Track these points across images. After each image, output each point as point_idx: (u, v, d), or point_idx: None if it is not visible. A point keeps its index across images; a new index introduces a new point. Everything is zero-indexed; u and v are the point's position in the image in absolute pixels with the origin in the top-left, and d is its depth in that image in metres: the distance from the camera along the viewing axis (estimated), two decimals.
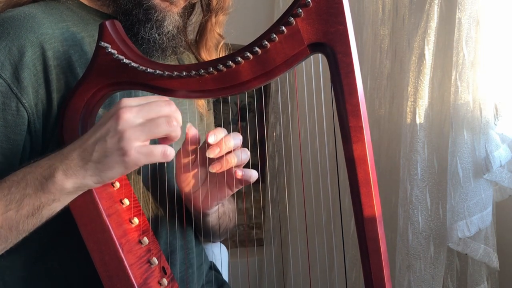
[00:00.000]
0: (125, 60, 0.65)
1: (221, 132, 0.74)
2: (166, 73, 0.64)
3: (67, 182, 0.63)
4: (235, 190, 0.79)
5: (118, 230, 0.68)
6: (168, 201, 0.81)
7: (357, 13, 1.47)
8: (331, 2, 0.60)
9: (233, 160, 0.75)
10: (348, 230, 1.44)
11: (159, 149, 0.63)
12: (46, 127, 0.72)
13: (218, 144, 0.74)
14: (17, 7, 0.76)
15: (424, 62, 1.18)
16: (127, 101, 0.63)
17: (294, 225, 1.67)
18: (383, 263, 0.62)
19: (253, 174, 0.77)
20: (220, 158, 0.75)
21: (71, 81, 0.72)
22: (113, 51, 0.65)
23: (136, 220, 0.72)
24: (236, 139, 0.75)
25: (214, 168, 0.75)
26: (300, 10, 0.60)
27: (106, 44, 0.66)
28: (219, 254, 1.11)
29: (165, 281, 0.73)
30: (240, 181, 0.77)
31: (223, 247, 1.17)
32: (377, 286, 0.63)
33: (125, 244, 0.68)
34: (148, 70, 0.64)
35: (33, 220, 0.64)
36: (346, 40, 0.60)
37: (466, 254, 1.16)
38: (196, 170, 0.77)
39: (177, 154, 0.77)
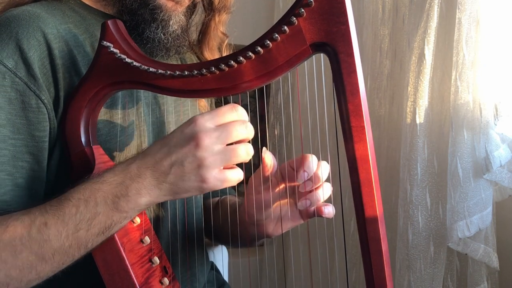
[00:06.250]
0: (127, 60, 0.65)
1: (314, 164, 0.72)
2: (168, 72, 0.64)
3: (141, 200, 0.62)
4: (307, 220, 0.77)
5: (120, 229, 0.68)
6: (169, 201, 0.80)
7: (357, 13, 1.47)
8: (333, 2, 0.59)
9: (320, 197, 0.73)
10: (349, 230, 1.45)
11: (235, 176, 0.63)
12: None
13: (311, 178, 0.72)
14: (19, 7, 0.75)
15: (424, 62, 1.18)
16: (203, 122, 0.61)
17: None
18: (385, 263, 0.62)
19: (333, 211, 0.75)
20: (308, 193, 0.73)
21: (75, 81, 0.72)
22: (115, 50, 0.65)
23: (137, 220, 0.72)
24: (326, 170, 0.73)
25: (303, 206, 0.74)
26: (302, 10, 0.59)
27: (108, 44, 0.66)
28: (219, 254, 1.11)
29: (166, 280, 0.73)
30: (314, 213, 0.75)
31: (223, 247, 1.16)
32: (379, 286, 0.62)
33: (126, 243, 0.68)
34: (150, 69, 0.64)
35: (102, 237, 0.64)
36: (348, 39, 0.60)
37: (466, 254, 1.16)
38: (269, 197, 0.75)
39: (250, 179, 0.76)
